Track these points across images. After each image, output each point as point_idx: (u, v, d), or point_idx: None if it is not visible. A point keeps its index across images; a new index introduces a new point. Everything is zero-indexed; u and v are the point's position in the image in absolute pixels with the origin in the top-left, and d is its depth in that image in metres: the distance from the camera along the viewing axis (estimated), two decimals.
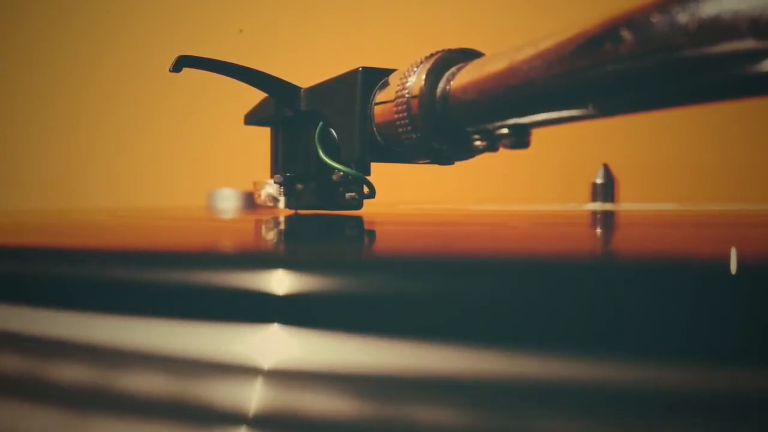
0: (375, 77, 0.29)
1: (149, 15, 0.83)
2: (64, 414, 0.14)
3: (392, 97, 0.27)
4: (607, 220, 0.34)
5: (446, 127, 0.26)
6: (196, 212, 0.46)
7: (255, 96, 0.34)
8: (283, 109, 0.33)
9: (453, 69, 0.25)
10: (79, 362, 0.14)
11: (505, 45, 0.23)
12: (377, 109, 0.28)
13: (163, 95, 0.81)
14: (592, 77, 0.19)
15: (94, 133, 0.85)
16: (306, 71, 0.35)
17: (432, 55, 0.26)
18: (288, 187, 0.33)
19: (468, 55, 0.26)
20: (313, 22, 0.79)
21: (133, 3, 0.85)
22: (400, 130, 0.27)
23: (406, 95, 0.26)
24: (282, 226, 0.29)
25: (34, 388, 0.15)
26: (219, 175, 0.78)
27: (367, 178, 0.30)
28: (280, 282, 0.14)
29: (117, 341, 0.14)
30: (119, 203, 0.80)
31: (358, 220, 0.31)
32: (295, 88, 0.32)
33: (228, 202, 0.54)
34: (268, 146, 0.35)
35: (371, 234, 0.26)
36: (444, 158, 0.28)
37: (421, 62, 0.26)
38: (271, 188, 0.33)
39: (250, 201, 0.51)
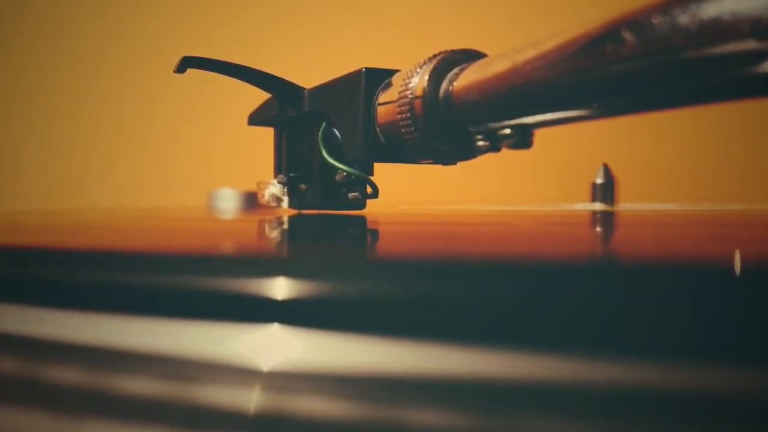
0: (378, 78, 0.29)
1: (150, 15, 0.83)
2: (63, 414, 0.14)
3: (395, 98, 0.27)
4: (607, 220, 0.34)
5: (449, 127, 0.26)
6: (197, 212, 0.46)
7: (255, 96, 0.34)
8: (287, 110, 0.33)
9: (456, 70, 0.25)
10: (78, 363, 0.14)
11: (508, 46, 0.23)
12: (380, 110, 0.28)
13: (163, 95, 0.81)
14: (594, 78, 0.19)
15: (94, 133, 0.85)
16: (309, 72, 0.35)
17: (435, 55, 0.26)
18: (291, 187, 0.33)
19: (471, 56, 0.26)
20: (317, 22, 0.79)
21: (133, 3, 0.85)
22: (403, 130, 0.27)
23: (409, 96, 0.26)
24: (285, 226, 0.29)
25: (31, 389, 0.15)
26: (219, 175, 0.78)
27: (370, 178, 0.31)
28: (280, 282, 0.14)
29: (115, 342, 0.14)
30: (119, 203, 0.80)
31: (361, 220, 0.31)
32: (298, 89, 0.32)
33: (228, 202, 0.54)
34: (267, 146, 0.35)
35: (374, 234, 0.26)
36: (446, 158, 0.28)
37: (424, 63, 0.26)
38: (274, 188, 0.33)
39: (249, 201, 0.52)
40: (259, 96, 0.34)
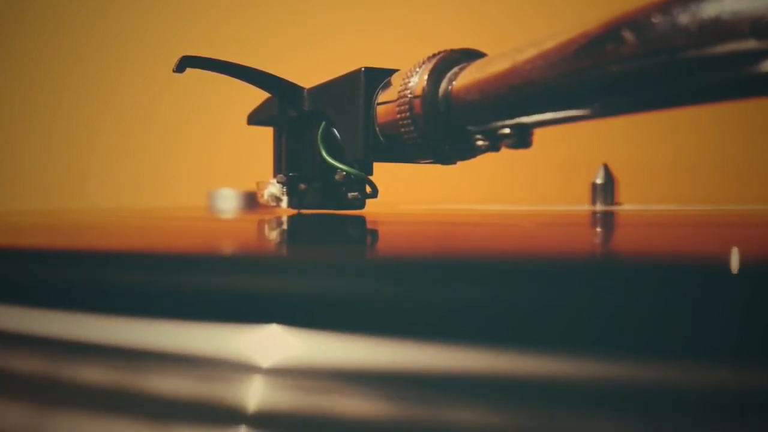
0: (377, 77, 0.29)
1: (150, 15, 0.84)
2: (62, 414, 0.14)
3: (395, 98, 0.27)
4: (607, 220, 0.34)
5: (448, 127, 0.26)
6: (197, 212, 0.46)
7: (255, 96, 0.34)
8: (287, 109, 0.33)
9: (455, 69, 0.25)
10: (78, 363, 0.14)
11: (508, 46, 0.23)
12: (380, 110, 0.28)
13: (163, 95, 0.81)
14: (593, 78, 0.19)
15: (94, 132, 0.86)
16: (309, 72, 0.35)
17: (434, 55, 0.26)
18: (291, 187, 0.33)
19: (470, 56, 0.26)
20: (317, 22, 0.79)
21: (133, 3, 0.85)
22: (403, 130, 0.27)
23: (409, 95, 0.26)
24: (284, 226, 0.29)
25: (32, 388, 0.15)
26: (219, 175, 0.78)
27: (370, 177, 0.31)
28: (280, 282, 0.14)
29: (115, 341, 0.14)
30: (119, 203, 0.80)
31: (361, 220, 0.31)
32: (298, 89, 0.32)
33: (228, 202, 0.54)
34: (267, 146, 0.35)
35: (373, 234, 0.26)
36: (446, 158, 0.28)
37: (424, 62, 0.26)
38: (274, 188, 0.33)
39: (249, 201, 0.52)
40: (259, 96, 0.34)
